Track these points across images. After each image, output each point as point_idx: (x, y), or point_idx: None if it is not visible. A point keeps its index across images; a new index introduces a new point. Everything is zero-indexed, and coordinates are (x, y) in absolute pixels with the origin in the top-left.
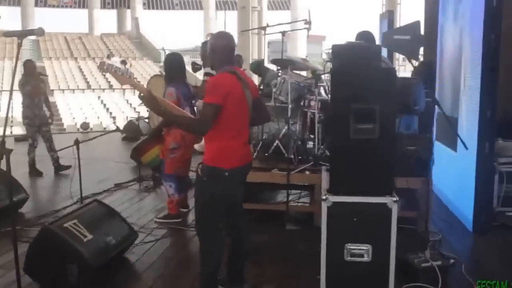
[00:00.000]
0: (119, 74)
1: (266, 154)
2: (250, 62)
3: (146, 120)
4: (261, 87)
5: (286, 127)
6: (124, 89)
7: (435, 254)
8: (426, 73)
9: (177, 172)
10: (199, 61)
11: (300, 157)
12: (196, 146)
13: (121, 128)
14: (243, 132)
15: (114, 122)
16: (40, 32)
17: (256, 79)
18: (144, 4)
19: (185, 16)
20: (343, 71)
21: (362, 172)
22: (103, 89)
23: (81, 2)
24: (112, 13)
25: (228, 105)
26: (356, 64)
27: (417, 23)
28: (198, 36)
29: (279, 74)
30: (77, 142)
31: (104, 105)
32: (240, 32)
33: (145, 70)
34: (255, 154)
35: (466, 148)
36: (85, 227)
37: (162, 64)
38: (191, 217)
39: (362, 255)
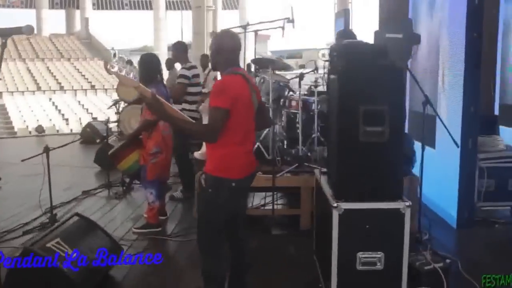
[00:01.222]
0: (123, 74)
1: None
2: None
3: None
4: None
5: (267, 128)
6: (75, 90)
7: (433, 255)
8: None
9: (158, 177)
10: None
11: (281, 158)
12: (196, 155)
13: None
14: (250, 138)
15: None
16: (28, 30)
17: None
18: (93, 4)
19: (135, 16)
20: (350, 71)
21: (371, 177)
22: (54, 91)
23: (29, 2)
24: (61, 13)
25: (236, 109)
26: (362, 63)
27: (409, 21)
28: (148, 36)
29: (258, 74)
30: (46, 150)
31: (56, 107)
32: (195, 32)
33: (97, 71)
34: None
35: (458, 146)
36: (69, 245)
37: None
38: (170, 225)
39: (374, 263)
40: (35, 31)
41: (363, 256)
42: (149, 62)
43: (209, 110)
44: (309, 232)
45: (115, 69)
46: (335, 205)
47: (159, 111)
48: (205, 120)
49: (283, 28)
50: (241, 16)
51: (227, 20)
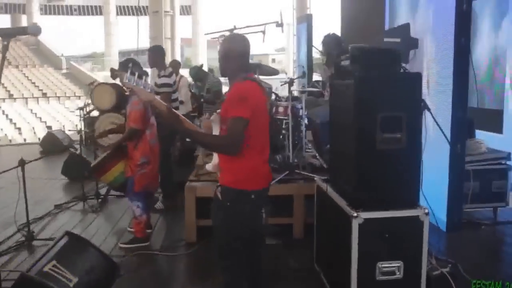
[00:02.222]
0: (140, 87)
1: None
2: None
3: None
4: (203, 94)
5: None
6: (26, 98)
7: (436, 260)
8: None
9: (146, 188)
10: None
11: (272, 166)
12: (208, 167)
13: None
14: (267, 148)
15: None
16: (35, 30)
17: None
18: (41, 9)
19: (85, 22)
20: (367, 76)
21: (389, 184)
22: (3, 99)
23: None
24: (6, 18)
25: (255, 118)
26: (377, 69)
27: (406, 26)
28: (98, 42)
29: None
30: (22, 163)
31: (6, 116)
32: (152, 37)
33: (47, 78)
34: None
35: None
36: (66, 268)
37: (65, 71)
38: (157, 238)
39: (394, 273)
40: None
41: (383, 265)
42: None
43: (228, 121)
44: (303, 241)
45: (131, 81)
46: (355, 214)
47: (176, 124)
48: (216, 131)
49: (263, 32)
50: (195, 21)
51: (184, 26)
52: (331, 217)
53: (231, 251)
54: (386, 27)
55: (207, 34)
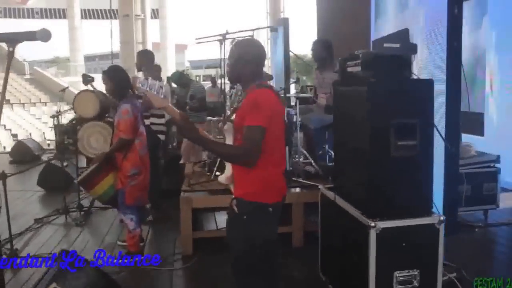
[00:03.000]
0: (153, 93)
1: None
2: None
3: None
4: (187, 101)
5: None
6: None
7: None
8: None
9: (138, 201)
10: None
11: None
12: (221, 179)
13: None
14: (283, 159)
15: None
16: (44, 35)
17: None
18: (0, 12)
19: (47, 26)
20: (380, 82)
21: (403, 192)
22: None
23: None
24: None
25: (272, 127)
26: (389, 75)
27: (405, 31)
28: (62, 46)
29: (235, 86)
30: (3, 176)
31: None
32: (123, 42)
33: (9, 84)
34: (214, 174)
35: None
36: None
37: (29, 76)
38: (150, 252)
39: (411, 281)
40: None
41: (400, 275)
42: (118, 77)
43: (244, 130)
44: (303, 249)
45: (145, 86)
46: (372, 224)
47: (191, 133)
48: (229, 141)
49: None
50: (162, 25)
51: (151, 30)
52: (342, 226)
53: (250, 266)
54: (372, 25)
55: (198, 39)
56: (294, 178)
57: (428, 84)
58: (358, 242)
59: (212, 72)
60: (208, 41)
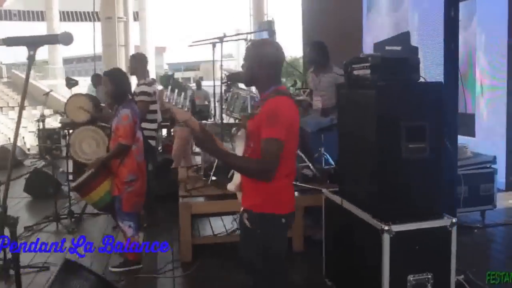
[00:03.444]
0: (178, 108)
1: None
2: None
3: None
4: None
5: None
6: None
7: None
8: None
9: (135, 207)
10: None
11: None
12: (230, 187)
13: None
14: (295, 168)
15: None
16: (66, 38)
17: None
18: None
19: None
20: (390, 85)
21: (414, 195)
22: None
23: None
24: None
25: (289, 138)
26: (398, 78)
27: (407, 34)
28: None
29: (231, 89)
30: None
31: None
32: (105, 44)
33: None
34: (211, 179)
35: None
36: None
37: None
38: (148, 259)
39: (424, 285)
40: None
41: (414, 278)
42: (121, 79)
43: (262, 143)
44: (304, 254)
45: (171, 100)
46: (386, 228)
47: (209, 145)
48: (239, 150)
49: (246, 40)
50: (142, 28)
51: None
52: (350, 231)
53: (269, 278)
54: (364, 24)
55: (194, 42)
56: (293, 183)
57: (437, 87)
58: (370, 246)
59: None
60: (202, 44)
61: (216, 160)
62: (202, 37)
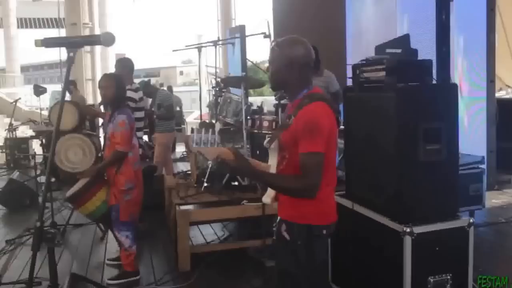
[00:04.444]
0: (208, 148)
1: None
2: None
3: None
4: (153, 110)
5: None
6: None
7: None
8: None
9: (132, 216)
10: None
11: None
12: (266, 199)
13: None
14: (335, 175)
15: None
16: (108, 38)
17: None
18: None
19: None
20: (408, 88)
21: (431, 196)
22: None
23: None
24: None
25: (329, 148)
26: (413, 80)
27: (406, 36)
28: None
29: (222, 94)
30: None
31: None
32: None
33: None
34: (204, 186)
35: None
36: None
37: None
38: (146, 269)
39: (444, 286)
40: None
41: (434, 279)
42: (121, 84)
43: (302, 157)
44: None
45: (200, 145)
46: (408, 230)
47: (246, 171)
48: (273, 161)
49: (233, 44)
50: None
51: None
52: (363, 234)
53: None
54: (349, 25)
55: (188, 45)
56: None
57: (453, 89)
58: (389, 249)
59: (151, 81)
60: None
61: (209, 167)
62: (163, 44)
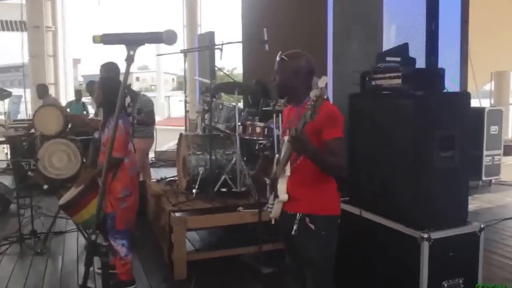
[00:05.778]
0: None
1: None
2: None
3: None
4: (134, 115)
5: (234, 159)
6: None
7: None
8: None
9: (128, 224)
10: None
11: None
12: (284, 197)
13: None
14: None
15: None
16: (170, 36)
17: None
18: None
19: None
20: (425, 96)
21: (444, 202)
22: None
23: None
24: None
25: None
26: (427, 88)
27: (405, 45)
28: None
29: (214, 99)
30: None
31: None
32: (33, 54)
33: None
34: (194, 192)
35: None
36: None
37: None
38: (142, 278)
39: None
40: None
41: (448, 284)
42: (109, 88)
43: (332, 143)
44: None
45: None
46: (425, 236)
47: (311, 145)
48: (286, 155)
49: (221, 49)
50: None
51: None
52: (373, 240)
53: (329, 276)
54: (329, 30)
55: (183, 50)
56: None
57: (466, 97)
58: (404, 255)
59: None
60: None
61: (200, 173)
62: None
